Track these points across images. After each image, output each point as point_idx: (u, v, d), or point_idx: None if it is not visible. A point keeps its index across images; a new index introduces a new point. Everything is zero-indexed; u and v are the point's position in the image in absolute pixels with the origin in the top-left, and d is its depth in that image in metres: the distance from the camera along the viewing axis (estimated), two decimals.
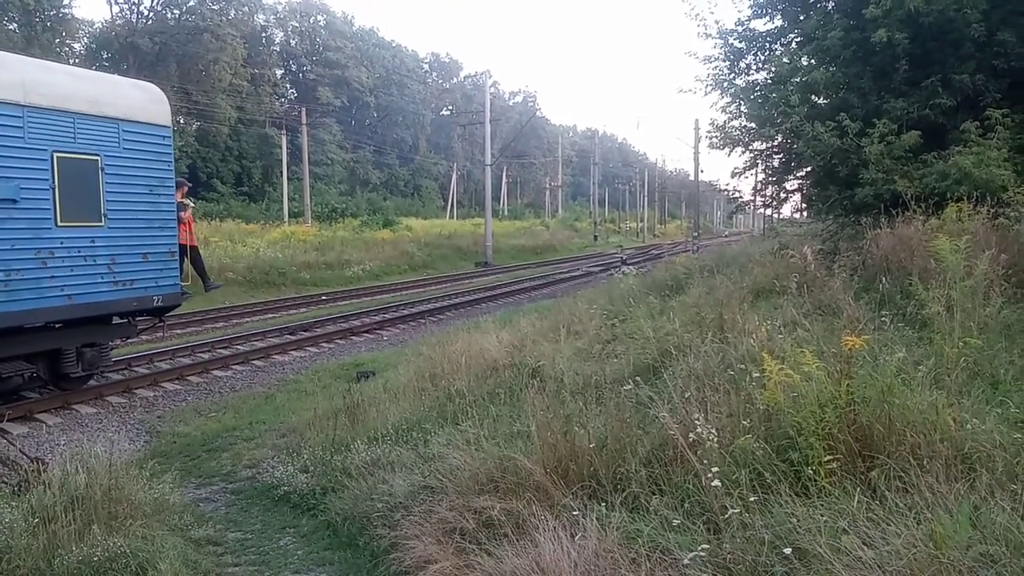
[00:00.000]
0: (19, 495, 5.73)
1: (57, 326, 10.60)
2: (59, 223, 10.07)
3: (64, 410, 10.56)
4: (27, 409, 10.20)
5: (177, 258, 12.02)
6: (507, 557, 3.88)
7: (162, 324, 13.06)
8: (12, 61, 10.22)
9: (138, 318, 11.98)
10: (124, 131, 10.95)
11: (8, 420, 9.57)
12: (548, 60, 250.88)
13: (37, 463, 6.51)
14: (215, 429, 9.66)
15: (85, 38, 63.00)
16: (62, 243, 10.13)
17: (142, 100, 11.56)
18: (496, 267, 38.74)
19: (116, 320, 11.56)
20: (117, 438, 9.46)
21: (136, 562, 4.68)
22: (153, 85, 12.45)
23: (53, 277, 10.00)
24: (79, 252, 10.36)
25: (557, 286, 28.08)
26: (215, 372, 13.32)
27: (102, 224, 10.68)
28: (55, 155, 10.01)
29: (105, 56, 62.75)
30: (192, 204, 13.73)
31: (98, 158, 10.61)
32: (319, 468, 6.75)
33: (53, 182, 9.98)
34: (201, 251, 14.45)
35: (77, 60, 56.78)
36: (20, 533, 4.81)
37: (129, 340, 12.93)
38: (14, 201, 9.50)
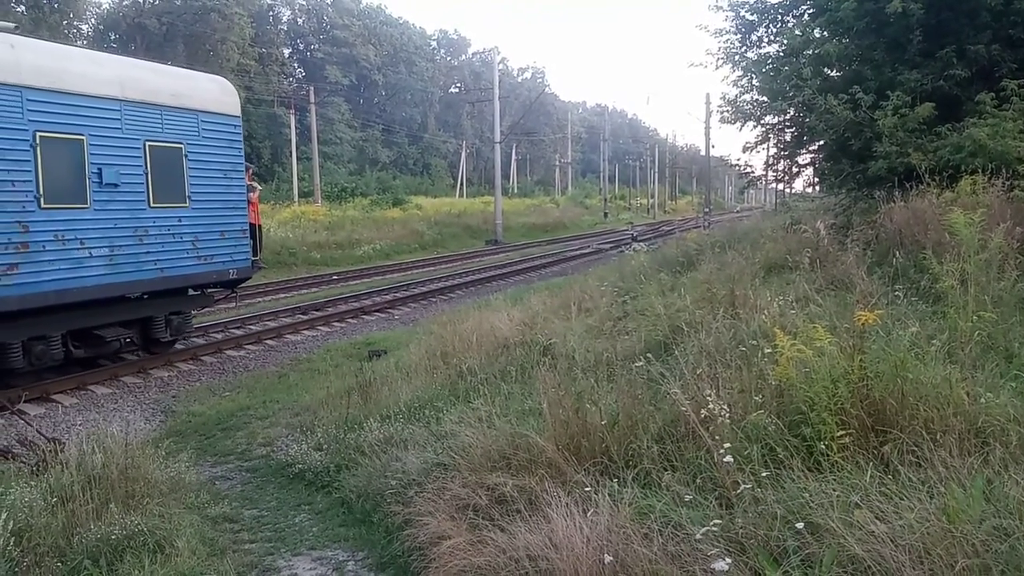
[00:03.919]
0: (38, 475, 5.79)
1: (144, 297, 11.85)
2: (151, 204, 11.38)
3: (80, 391, 10.66)
4: (43, 390, 10.31)
5: (248, 235, 13.28)
6: (520, 533, 3.90)
7: (234, 295, 14.65)
8: (110, 60, 11.63)
9: (210, 290, 13.32)
10: (202, 121, 12.23)
11: (25, 401, 9.67)
12: (557, 36, 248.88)
13: (54, 443, 6.57)
14: (229, 408, 9.73)
15: (93, 19, 62.94)
16: (155, 222, 11.46)
17: (216, 92, 12.88)
18: (506, 245, 38.69)
19: (191, 292, 12.88)
20: (133, 418, 9.55)
21: (154, 540, 4.74)
22: (224, 79, 13.85)
23: (148, 252, 11.36)
24: (168, 230, 11.71)
25: (567, 263, 28.04)
26: (228, 352, 13.40)
27: (186, 205, 12.01)
28: (147, 144, 11.28)
29: (113, 37, 62.70)
30: (259, 187, 14.98)
31: (182, 146, 11.88)
32: (333, 446, 6.80)
33: (146, 168, 11.26)
34: None
35: (85, 42, 56.76)
36: (40, 512, 4.88)
37: (205, 309, 14.29)
38: (116, 185, 10.77)
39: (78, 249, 10.27)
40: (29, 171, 9.69)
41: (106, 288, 10.73)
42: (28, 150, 9.69)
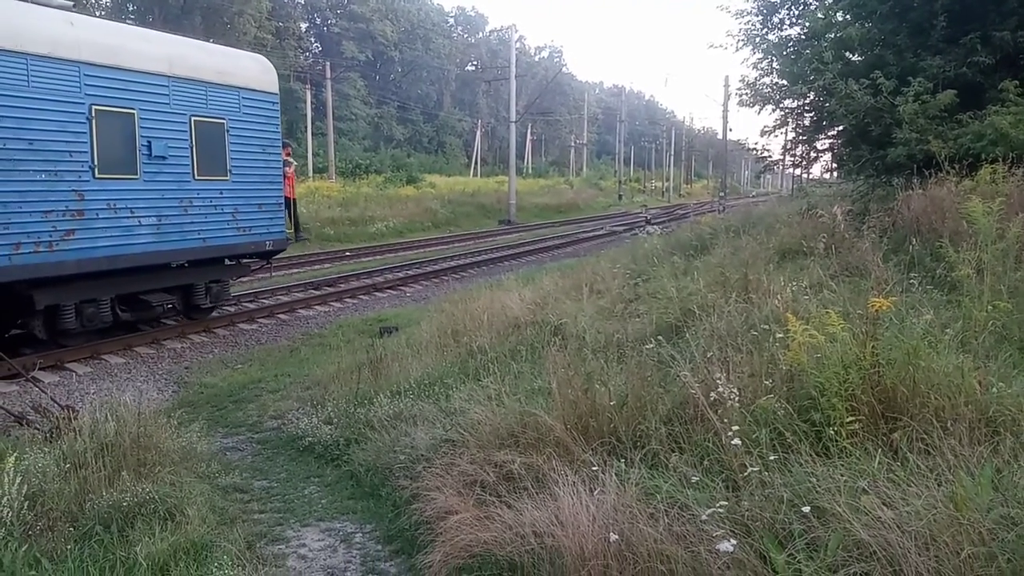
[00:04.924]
0: (51, 441, 5.87)
1: (185, 265, 12.43)
2: (196, 177, 11.94)
3: (93, 360, 10.78)
4: (58, 359, 10.42)
5: (284, 208, 13.93)
6: (527, 510, 3.93)
7: (269, 265, 15.26)
8: (159, 38, 12.11)
9: (245, 260, 13.91)
10: (243, 98, 12.80)
11: (40, 369, 9.79)
12: (575, 15, 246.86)
13: (68, 411, 6.66)
14: (241, 380, 9.81)
15: None
16: (198, 194, 12.02)
17: (256, 70, 13.41)
18: (519, 225, 38.64)
19: (227, 262, 13.44)
20: (146, 388, 9.66)
21: (164, 507, 4.79)
22: (263, 57, 14.41)
23: (192, 223, 11.94)
24: (211, 202, 12.25)
25: (580, 245, 28.00)
26: (241, 325, 13.50)
27: (227, 178, 12.56)
28: (192, 119, 11.85)
29: (131, 8, 62.59)
30: (294, 162, 15.74)
31: (224, 121, 12.44)
32: (343, 420, 6.86)
33: (191, 142, 11.84)
34: None
35: (103, 13, 56.69)
36: (53, 478, 4.94)
37: (241, 278, 14.92)
38: (163, 158, 11.36)
39: (128, 218, 10.88)
40: (85, 143, 10.22)
41: (153, 255, 11.37)
42: (84, 123, 10.21)
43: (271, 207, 13.52)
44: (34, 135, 9.59)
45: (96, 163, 10.34)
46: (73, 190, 10.09)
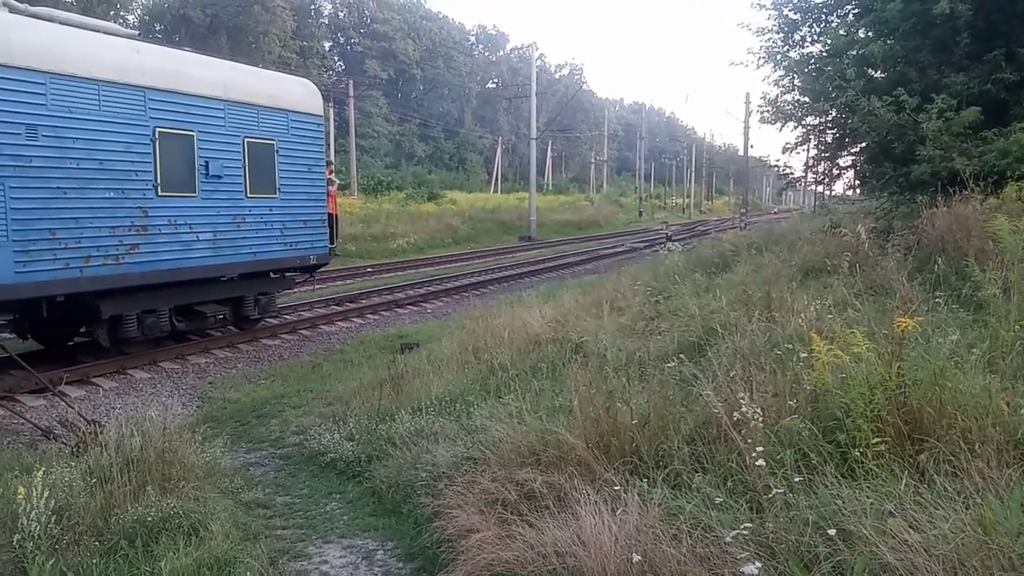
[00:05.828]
0: (77, 456, 5.93)
1: (234, 278, 13.00)
2: (248, 195, 12.64)
3: (119, 375, 10.90)
4: (84, 373, 10.56)
5: (326, 224, 14.53)
6: (548, 529, 3.91)
7: (313, 279, 15.75)
8: (217, 64, 12.78)
9: (289, 273, 14.53)
10: (291, 120, 13.47)
11: (66, 384, 9.91)
12: (595, 32, 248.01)
13: (94, 425, 6.73)
14: (264, 396, 9.86)
15: (139, 10, 63.99)
16: (250, 211, 12.72)
17: (303, 94, 14.05)
18: (540, 242, 38.68)
19: (272, 275, 14.06)
20: (170, 403, 9.75)
21: (188, 523, 4.83)
22: (309, 81, 15.05)
23: (244, 238, 12.64)
24: (261, 219, 12.96)
25: (601, 261, 27.96)
26: (264, 340, 13.60)
27: (276, 196, 13.25)
28: (245, 140, 12.53)
29: (158, 28, 63.70)
30: (337, 181, 16.43)
31: (274, 143, 13.11)
32: (364, 436, 6.87)
33: (244, 162, 12.51)
34: None
35: None
36: (79, 492, 4.99)
37: (286, 291, 15.50)
38: (219, 177, 12.02)
39: (187, 233, 11.57)
40: (149, 163, 10.91)
41: (209, 269, 12.07)
42: (149, 144, 10.90)
43: (315, 223, 14.15)
44: (104, 155, 10.23)
45: (159, 182, 11.00)
46: (138, 207, 10.75)
